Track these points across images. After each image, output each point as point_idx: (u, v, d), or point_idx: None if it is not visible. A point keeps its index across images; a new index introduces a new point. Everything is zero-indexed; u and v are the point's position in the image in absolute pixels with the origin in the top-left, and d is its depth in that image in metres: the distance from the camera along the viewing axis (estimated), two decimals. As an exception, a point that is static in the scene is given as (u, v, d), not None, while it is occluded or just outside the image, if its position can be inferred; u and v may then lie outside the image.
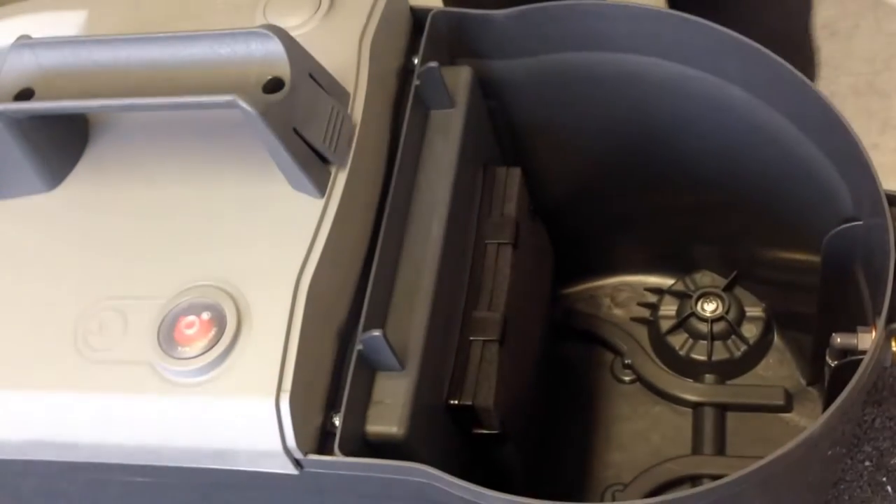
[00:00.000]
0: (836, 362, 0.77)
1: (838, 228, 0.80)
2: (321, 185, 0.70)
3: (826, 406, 0.88)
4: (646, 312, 1.12)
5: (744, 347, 1.05)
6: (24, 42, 0.70)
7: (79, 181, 0.75)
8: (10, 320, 0.70)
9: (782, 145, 0.84)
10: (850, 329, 0.75)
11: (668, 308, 1.09)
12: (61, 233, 0.73)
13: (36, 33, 0.80)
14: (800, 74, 0.78)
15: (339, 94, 0.72)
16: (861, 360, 0.69)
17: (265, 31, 0.67)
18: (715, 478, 0.97)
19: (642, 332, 1.11)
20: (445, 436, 0.78)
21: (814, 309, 0.94)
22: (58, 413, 0.67)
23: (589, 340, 1.12)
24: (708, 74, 0.85)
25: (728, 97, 0.85)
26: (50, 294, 0.70)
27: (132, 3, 0.82)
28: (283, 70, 0.67)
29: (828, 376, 0.79)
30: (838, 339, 0.74)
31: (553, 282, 1.06)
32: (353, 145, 0.72)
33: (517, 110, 0.94)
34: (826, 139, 0.80)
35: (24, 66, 0.70)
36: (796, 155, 0.84)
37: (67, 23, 0.82)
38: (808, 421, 1.02)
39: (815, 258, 0.87)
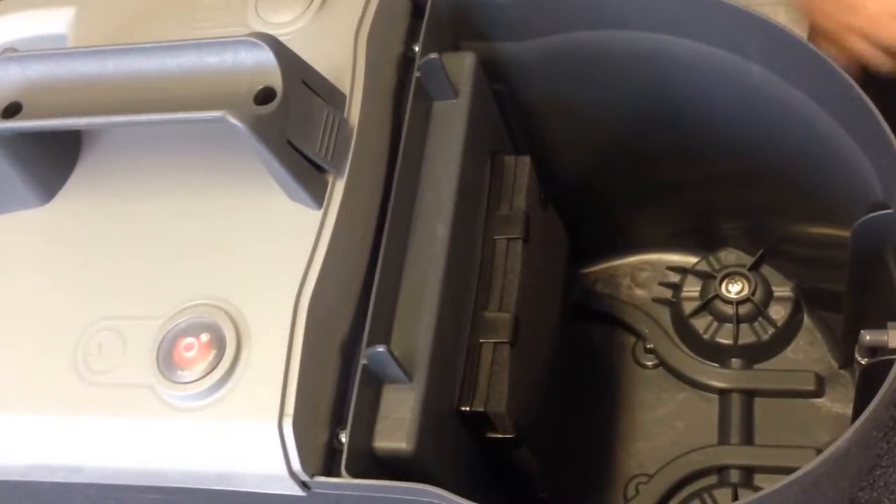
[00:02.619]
0: (865, 360, 0.77)
1: (868, 216, 0.80)
2: (318, 196, 0.71)
3: (856, 408, 0.90)
4: (668, 293, 1.13)
5: (772, 330, 1.06)
6: (11, 56, 0.71)
7: (72, 194, 0.76)
8: (9, 341, 0.72)
9: (805, 124, 0.85)
10: (881, 322, 0.76)
11: (692, 289, 1.10)
12: (56, 249, 0.74)
13: (21, 32, 0.81)
14: (824, 55, 0.78)
15: (334, 97, 0.73)
16: (893, 360, 0.69)
17: (254, 40, 0.67)
18: (742, 468, 1.01)
19: (664, 314, 1.12)
20: (458, 443, 0.80)
21: (845, 287, 0.95)
22: (60, 437, 0.69)
23: (609, 323, 1.14)
24: (725, 52, 0.86)
25: (747, 75, 0.86)
26: (47, 313, 0.72)
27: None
28: (275, 79, 0.68)
29: (857, 375, 0.80)
30: (868, 337, 0.75)
31: (570, 264, 1.07)
32: (351, 151, 0.73)
33: (526, 93, 0.95)
34: (852, 122, 0.80)
35: (11, 80, 0.71)
36: (821, 135, 0.84)
37: (54, 21, 0.83)
38: (841, 406, 1.03)
39: (847, 234, 0.88)
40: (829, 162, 0.85)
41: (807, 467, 0.66)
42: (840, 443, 0.67)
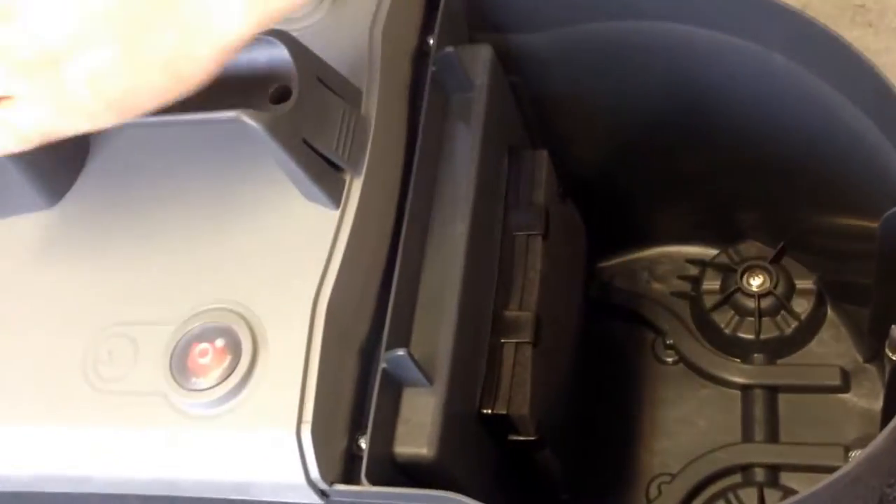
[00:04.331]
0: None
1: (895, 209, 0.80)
2: (335, 196, 0.70)
3: (887, 403, 0.89)
4: (687, 286, 1.13)
5: (795, 324, 1.06)
6: None
7: (81, 196, 0.76)
8: (17, 348, 0.71)
9: (830, 115, 0.84)
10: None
11: (712, 283, 1.10)
12: (64, 253, 0.74)
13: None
14: (849, 43, 0.78)
15: (350, 94, 0.72)
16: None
17: (269, 38, 0.67)
18: (768, 467, 1.00)
19: (684, 308, 1.12)
20: (479, 446, 0.79)
21: (870, 279, 0.94)
22: (70, 447, 0.68)
23: (628, 318, 1.13)
24: (747, 42, 0.85)
25: (769, 64, 0.85)
26: (56, 319, 0.71)
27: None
28: (290, 77, 0.67)
29: (888, 370, 0.80)
30: (898, 332, 0.75)
31: (588, 258, 1.07)
32: (368, 149, 0.72)
33: (542, 85, 0.95)
34: (879, 112, 0.80)
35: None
36: (846, 125, 0.84)
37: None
38: (867, 401, 1.03)
39: (872, 225, 0.87)
40: (854, 153, 0.84)
41: (843, 470, 0.66)
42: (877, 443, 0.66)
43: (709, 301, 1.09)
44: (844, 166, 0.88)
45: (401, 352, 0.68)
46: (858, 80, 0.78)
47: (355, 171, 0.72)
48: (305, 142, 0.68)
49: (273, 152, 0.67)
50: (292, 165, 0.67)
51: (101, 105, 0.59)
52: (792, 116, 0.88)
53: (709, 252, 1.13)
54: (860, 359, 1.05)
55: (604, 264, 1.17)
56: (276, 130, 0.65)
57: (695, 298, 1.10)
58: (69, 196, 0.76)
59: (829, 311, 1.08)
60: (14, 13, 0.57)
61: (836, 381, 1.04)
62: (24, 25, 0.56)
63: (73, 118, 0.60)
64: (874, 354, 1.04)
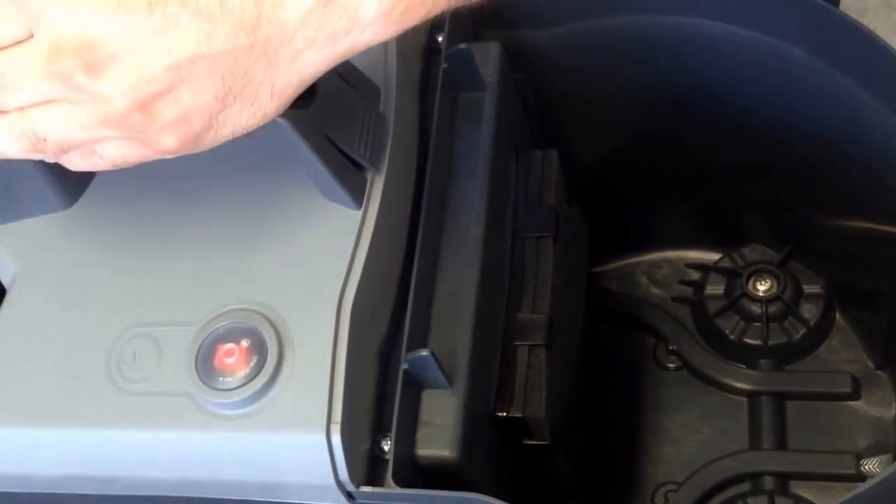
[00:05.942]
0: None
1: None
2: (357, 196, 0.74)
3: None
4: (688, 291, 1.16)
5: (803, 330, 1.09)
6: None
7: (97, 197, 0.79)
8: (40, 351, 0.74)
9: (850, 110, 0.87)
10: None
11: (716, 287, 1.13)
12: (82, 255, 0.77)
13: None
14: (877, 36, 0.80)
15: (369, 91, 0.76)
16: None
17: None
18: (777, 475, 1.04)
19: (685, 313, 1.16)
20: (494, 449, 0.83)
21: (882, 285, 0.98)
22: (97, 448, 0.72)
23: (626, 323, 1.17)
24: (762, 35, 0.88)
25: (787, 59, 0.88)
26: (78, 320, 0.75)
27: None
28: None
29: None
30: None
31: (590, 261, 1.11)
32: (388, 147, 0.76)
33: (548, 83, 0.98)
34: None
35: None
36: (869, 123, 0.86)
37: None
38: (879, 409, 1.07)
39: (887, 228, 0.91)
40: (877, 152, 0.87)
41: (866, 485, 0.69)
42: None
43: (713, 306, 1.12)
44: (864, 166, 0.91)
45: (424, 352, 0.71)
46: (885, 74, 0.81)
47: (377, 169, 0.75)
48: (329, 139, 0.71)
49: (296, 150, 0.70)
50: (316, 163, 0.71)
51: (181, 141, 0.62)
52: (810, 113, 0.91)
53: (709, 256, 1.17)
54: (871, 365, 1.09)
55: (600, 269, 1.21)
56: (301, 126, 0.68)
57: (697, 303, 1.14)
58: (86, 197, 0.79)
59: (838, 317, 1.11)
60: (103, 64, 0.58)
61: (847, 389, 1.07)
62: (118, 74, 0.58)
63: (150, 150, 0.63)
64: (887, 361, 1.07)
